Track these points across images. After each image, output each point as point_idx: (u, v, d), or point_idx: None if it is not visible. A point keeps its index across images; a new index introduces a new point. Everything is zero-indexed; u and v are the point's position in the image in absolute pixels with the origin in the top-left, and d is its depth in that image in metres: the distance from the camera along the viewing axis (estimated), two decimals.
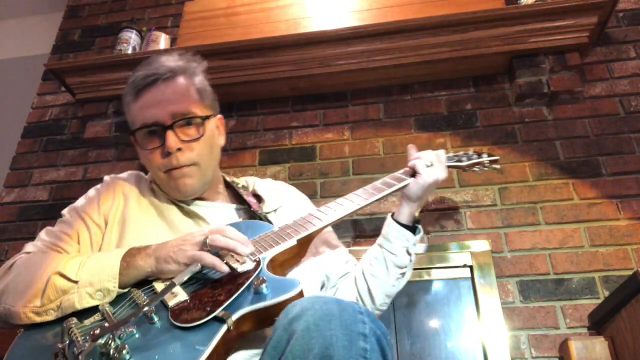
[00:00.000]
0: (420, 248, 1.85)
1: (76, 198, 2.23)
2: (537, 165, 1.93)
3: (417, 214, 1.27)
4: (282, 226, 1.06)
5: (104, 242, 1.07)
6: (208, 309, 0.82)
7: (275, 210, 1.23)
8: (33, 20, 3.33)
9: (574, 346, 1.53)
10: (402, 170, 1.28)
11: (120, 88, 2.25)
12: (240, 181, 1.30)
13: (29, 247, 1.07)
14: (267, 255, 0.96)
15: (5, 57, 3.29)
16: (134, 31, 2.39)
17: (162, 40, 2.37)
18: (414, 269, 1.82)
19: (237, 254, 0.91)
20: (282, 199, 1.27)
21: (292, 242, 1.01)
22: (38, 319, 0.88)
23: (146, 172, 1.27)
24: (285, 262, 1.03)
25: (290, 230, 1.04)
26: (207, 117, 1.13)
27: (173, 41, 2.44)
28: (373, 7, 2.24)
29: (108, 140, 2.32)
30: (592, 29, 1.97)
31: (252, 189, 1.28)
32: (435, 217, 1.91)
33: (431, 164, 1.23)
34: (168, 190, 1.13)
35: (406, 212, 1.25)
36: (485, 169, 1.57)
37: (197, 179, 1.11)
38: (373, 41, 2.07)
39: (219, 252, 0.93)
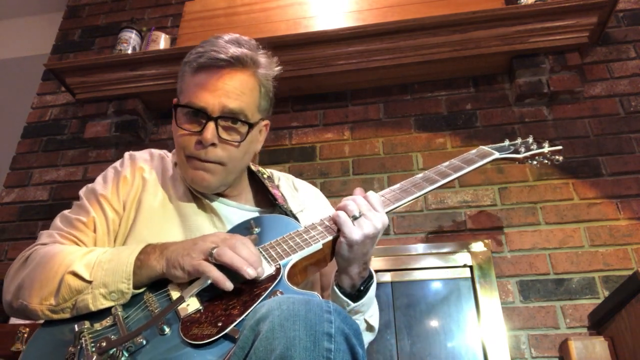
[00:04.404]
0: (421, 248, 1.85)
1: (76, 198, 2.26)
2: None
3: (362, 272, 0.98)
4: (309, 225, 0.98)
5: (120, 229, 1.03)
6: (220, 324, 0.78)
7: (296, 214, 1.14)
8: (33, 20, 3.33)
9: (574, 346, 1.53)
10: (328, 218, 0.99)
11: (121, 88, 2.29)
12: (266, 172, 1.23)
13: (45, 237, 1.02)
14: (289, 262, 0.90)
15: (5, 57, 3.29)
16: (134, 31, 2.39)
17: (162, 40, 2.37)
18: (415, 269, 1.83)
19: (241, 275, 0.83)
20: (304, 204, 1.20)
21: (317, 246, 0.93)
22: (55, 317, 0.87)
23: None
24: (308, 267, 0.95)
25: (316, 232, 0.96)
26: (255, 124, 1.06)
27: (173, 41, 2.44)
28: (373, 7, 2.24)
29: (108, 140, 2.32)
30: (592, 29, 1.97)
31: (277, 184, 1.22)
32: (435, 217, 1.91)
33: (359, 214, 0.93)
34: (183, 174, 1.07)
35: (343, 275, 0.98)
36: (546, 161, 1.38)
37: (217, 178, 1.04)
38: (373, 41, 2.07)
39: None
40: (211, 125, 0.99)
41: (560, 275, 1.73)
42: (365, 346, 1.07)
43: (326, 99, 2.25)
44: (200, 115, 1.01)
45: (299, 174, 2.10)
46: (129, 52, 2.32)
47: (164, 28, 2.57)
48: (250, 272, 0.83)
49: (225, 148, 1.02)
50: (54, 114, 2.53)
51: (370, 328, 1.05)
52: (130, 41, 2.36)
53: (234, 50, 1.02)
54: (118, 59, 2.25)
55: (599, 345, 1.54)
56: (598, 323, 1.61)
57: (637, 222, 1.77)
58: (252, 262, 0.84)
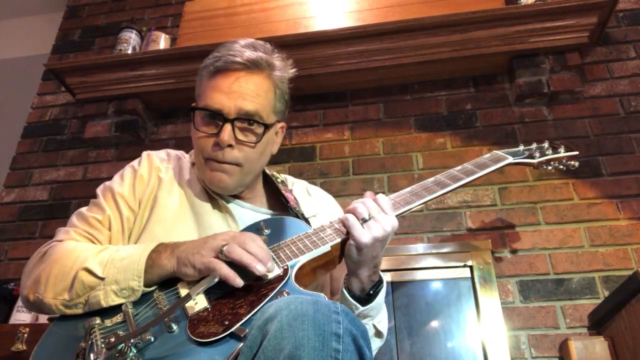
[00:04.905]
0: (421, 248, 1.85)
1: (76, 198, 2.28)
2: None
3: (371, 276, 0.98)
4: (318, 228, 0.99)
5: (134, 226, 1.05)
6: (226, 323, 0.79)
7: (308, 218, 1.16)
8: (33, 20, 3.33)
9: (574, 346, 1.53)
10: (337, 220, 1.00)
11: (121, 88, 2.29)
12: (280, 176, 1.25)
13: (61, 234, 1.04)
14: (297, 263, 0.90)
15: (5, 57, 3.29)
16: (134, 31, 2.39)
17: (162, 40, 2.37)
18: (415, 269, 1.83)
19: (250, 271, 0.84)
20: (317, 208, 1.21)
21: (325, 248, 0.93)
22: (68, 312, 0.90)
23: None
24: (317, 269, 0.95)
25: (325, 235, 0.96)
26: (270, 125, 1.07)
27: (173, 41, 2.44)
28: (373, 7, 2.24)
29: (108, 140, 2.32)
30: (592, 29, 1.97)
31: (290, 188, 1.24)
32: (435, 217, 1.91)
33: (369, 217, 0.94)
34: (202, 175, 1.09)
35: (352, 278, 0.98)
36: (562, 166, 1.38)
37: (235, 179, 1.06)
38: (373, 41, 2.07)
39: None
40: (228, 127, 1.01)
41: (560, 275, 1.73)
42: (374, 353, 1.07)
43: (326, 99, 2.25)
44: (217, 118, 1.03)
45: (299, 174, 2.10)
46: (129, 52, 2.32)
47: (164, 28, 2.57)
48: (259, 269, 0.84)
49: (241, 149, 1.04)
50: (54, 114, 2.53)
51: (378, 334, 1.05)
52: (130, 41, 2.36)
53: (249, 54, 1.04)
54: (118, 59, 2.25)
55: (599, 345, 1.54)
56: (598, 323, 1.61)
57: (637, 222, 1.77)
58: (261, 258, 0.85)
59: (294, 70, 1.14)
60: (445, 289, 1.79)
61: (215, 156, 1.03)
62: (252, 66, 1.04)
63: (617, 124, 1.96)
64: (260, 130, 1.05)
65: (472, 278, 1.77)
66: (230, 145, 1.02)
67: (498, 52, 2.02)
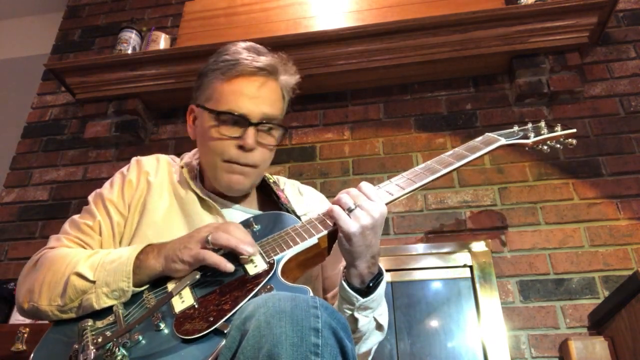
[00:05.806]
0: (421, 248, 1.85)
1: (76, 198, 2.28)
2: (537, 165, 1.93)
3: (370, 267, 0.96)
4: (306, 221, 0.99)
5: (125, 230, 1.07)
6: (211, 319, 0.80)
7: (300, 216, 1.18)
8: (33, 20, 3.33)
9: (574, 346, 1.53)
10: (325, 213, 1.00)
11: (121, 88, 2.29)
12: (272, 177, 1.27)
13: (53, 241, 1.06)
14: (283, 257, 0.90)
15: (5, 57, 3.29)
16: (134, 31, 2.39)
17: (162, 40, 2.37)
18: (415, 269, 1.83)
19: (239, 253, 0.87)
20: (309, 207, 1.22)
21: (312, 241, 0.93)
22: (64, 316, 0.92)
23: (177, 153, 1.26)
24: (306, 263, 0.96)
25: (312, 227, 0.96)
26: (287, 129, 1.12)
27: (173, 41, 2.44)
28: (373, 7, 2.24)
29: (108, 140, 2.32)
30: (592, 29, 1.97)
31: (282, 188, 1.26)
32: (435, 217, 1.91)
33: (355, 206, 0.93)
34: (217, 178, 1.09)
35: (351, 270, 0.96)
36: (559, 145, 1.34)
37: (251, 180, 1.09)
38: (373, 41, 2.07)
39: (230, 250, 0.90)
40: (252, 130, 1.04)
41: (560, 275, 1.73)
42: (374, 347, 1.07)
43: (326, 99, 2.25)
44: (240, 122, 1.05)
45: (299, 174, 2.10)
46: (129, 52, 2.32)
47: (164, 28, 2.57)
48: (248, 249, 0.87)
49: (261, 152, 1.07)
50: (54, 114, 2.53)
51: (379, 327, 1.05)
52: (130, 41, 2.36)
53: (265, 59, 1.08)
54: (118, 59, 2.25)
55: (599, 345, 1.54)
56: (598, 323, 1.61)
57: (637, 222, 1.77)
58: (247, 241, 0.88)
59: (298, 76, 1.19)
60: (445, 289, 1.79)
61: (237, 159, 1.05)
62: (273, 72, 1.08)
63: (617, 124, 1.96)
64: (277, 133, 1.10)
65: (472, 278, 1.77)
66: (253, 149, 1.05)
67: (498, 52, 2.02)
